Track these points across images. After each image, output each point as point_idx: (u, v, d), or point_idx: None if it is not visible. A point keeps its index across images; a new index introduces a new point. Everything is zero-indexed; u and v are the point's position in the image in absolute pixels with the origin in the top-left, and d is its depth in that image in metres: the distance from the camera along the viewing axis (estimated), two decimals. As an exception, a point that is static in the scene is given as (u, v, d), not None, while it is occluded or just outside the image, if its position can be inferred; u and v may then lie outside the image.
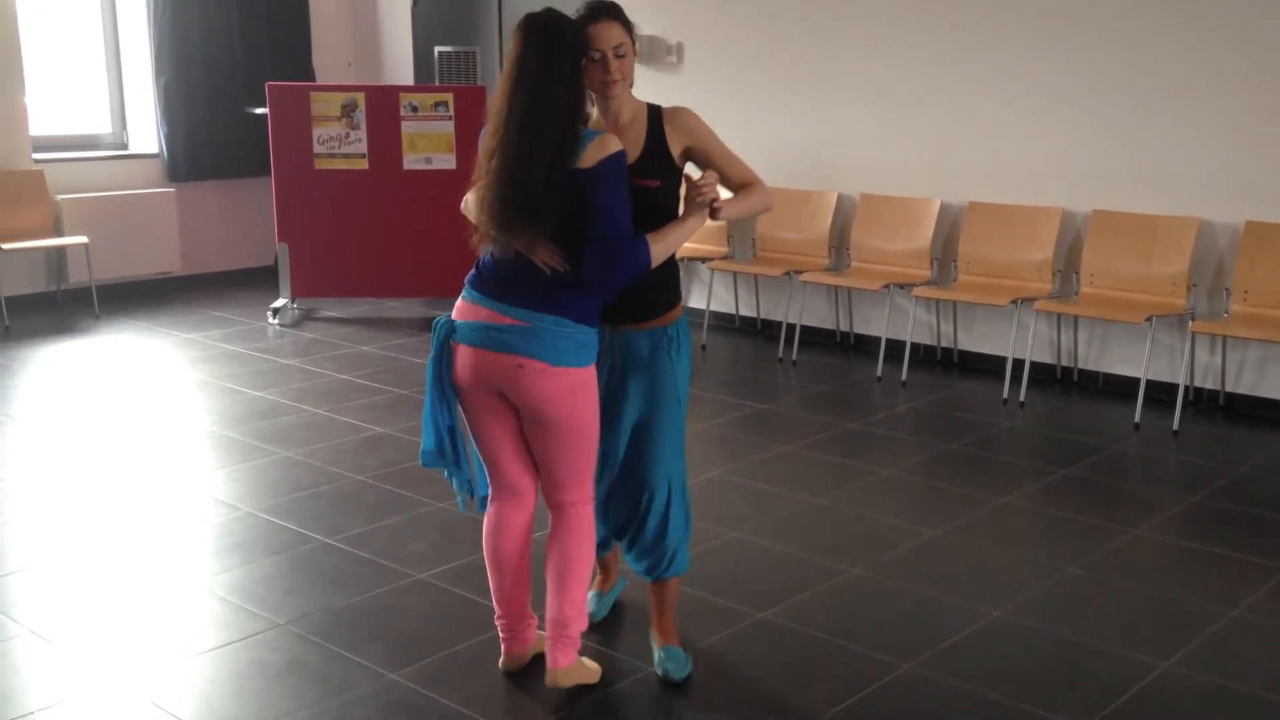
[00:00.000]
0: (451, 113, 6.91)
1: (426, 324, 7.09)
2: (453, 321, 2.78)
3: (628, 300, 2.83)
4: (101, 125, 7.96)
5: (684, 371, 2.97)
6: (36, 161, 7.29)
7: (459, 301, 2.82)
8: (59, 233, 7.25)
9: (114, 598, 3.51)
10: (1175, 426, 5.10)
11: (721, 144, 2.92)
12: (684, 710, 2.90)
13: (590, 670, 2.98)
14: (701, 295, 6.97)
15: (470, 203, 2.79)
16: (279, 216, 7.05)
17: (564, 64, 2.65)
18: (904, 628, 3.31)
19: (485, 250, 2.79)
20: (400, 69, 8.56)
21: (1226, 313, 5.25)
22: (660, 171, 2.84)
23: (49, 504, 4.23)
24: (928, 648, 3.18)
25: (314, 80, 8.29)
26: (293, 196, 6.99)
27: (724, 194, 2.80)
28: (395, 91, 7.06)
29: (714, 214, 2.77)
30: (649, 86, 7.14)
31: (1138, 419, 5.19)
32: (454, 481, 2.95)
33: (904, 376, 5.87)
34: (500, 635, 3.03)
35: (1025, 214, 5.79)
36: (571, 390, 2.74)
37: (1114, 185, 5.59)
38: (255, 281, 8.03)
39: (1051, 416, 5.40)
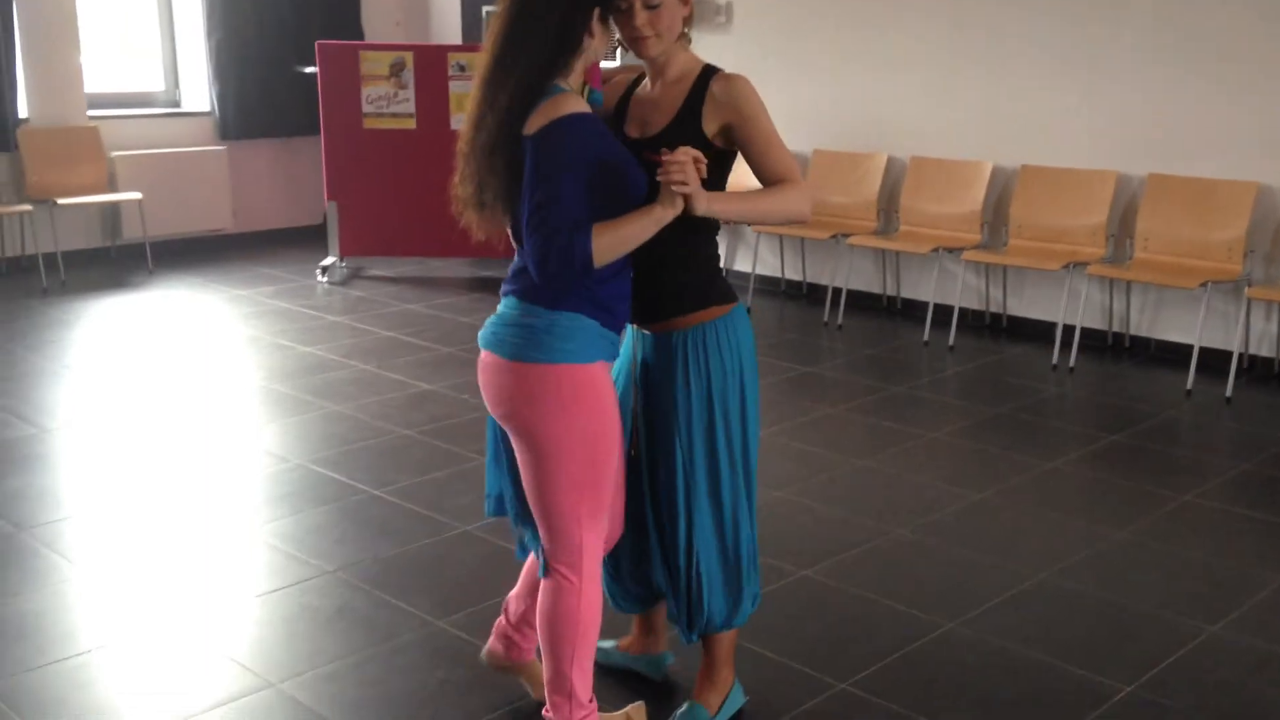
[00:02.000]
0: (500, 72, 6.89)
1: (472, 283, 7.14)
2: None
3: (637, 290, 2.38)
4: (155, 83, 8.04)
5: (704, 392, 2.40)
6: (92, 118, 7.38)
7: None
8: (113, 189, 7.34)
9: (167, 543, 3.58)
10: (1228, 394, 5.03)
11: (767, 127, 2.36)
12: (726, 663, 2.92)
13: None
14: (747, 258, 6.94)
15: None
16: (328, 175, 7.10)
17: (551, 9, 2.21)
18: (947, 589, 3.31)
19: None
20: (449, 28, 8.56)
21: (1284, 280, 5.17)
22: (659, 145, 2.31)
23: (105, 453, 4.32)
24: (971, 608, 3.18)
25: (363, 39, 8.31)
26: (342, 155, 7.03)
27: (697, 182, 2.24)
28: (443, 51, 7.06)
29: (689, 205, 2.19)
30: (699, 49, 7.05)
31: (1190, 386, 5.13)
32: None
33: (951, 341, 5.83)
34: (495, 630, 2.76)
35: (1079, 178, 5.71)
36: (529, 395, 2.24)
37: (1170, 149, 5.49)
38: (305, 239, 8.10)
39: (1101, 383, 5.34)
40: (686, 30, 2.41)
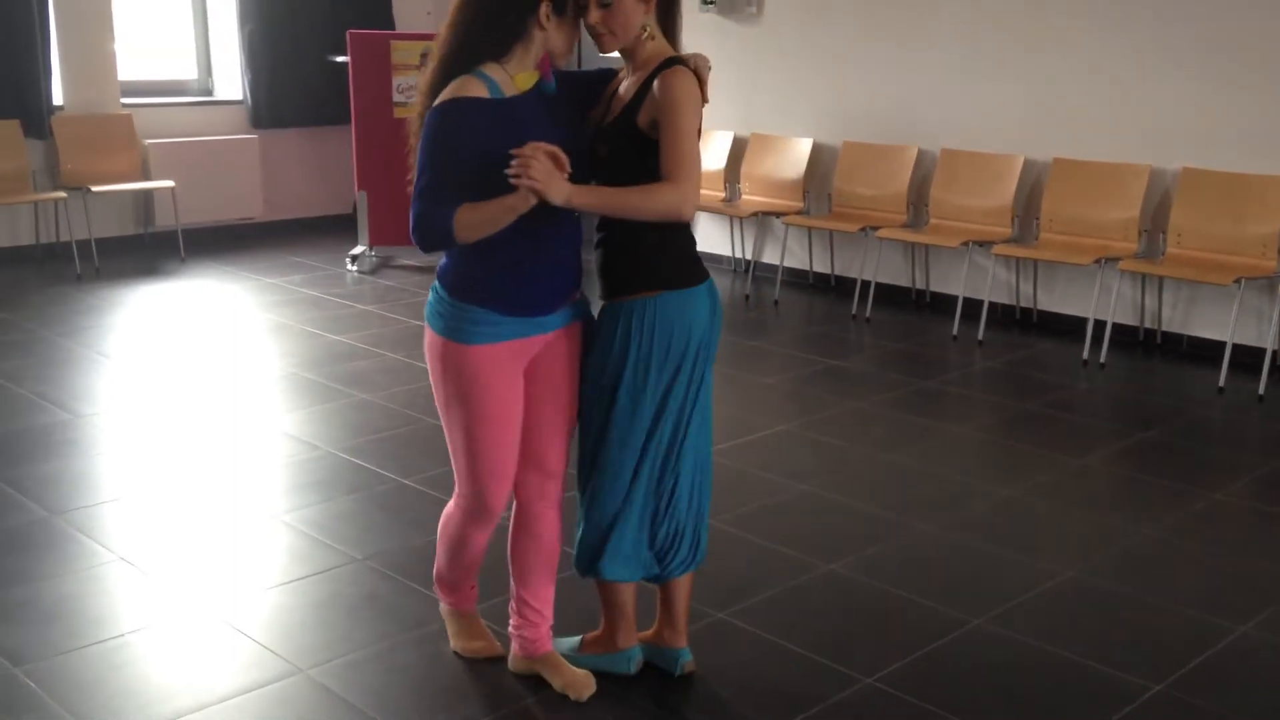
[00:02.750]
0: (530, 62, 6.90)
1: (501, 273, 7.15)
2: None
3: (600, 263, 2.58)
4: (188, 71, 8.10)
5: (620, 364, 2.54)
6: (125, 106, 7.44)
7: None
8: (146, 177, 7.41)
9: (200, 529, 3.62)
10: (1261, 391, 4.98)
11: (678, 124, 2.39)
12: (750, 658, 2.92)
13: (464, 640, 2.87)
14: (775, 250, 6.92)
15: None
16: (358, 164, 7.13)
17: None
18: (975, 585, 3.30)
19: None
20: (479, 18, 8.55)
21: (1319, 276, 5.12)
22: (614, 139, 2.48)
23: (139, 439, 4.37)
24: (999, 605, 3.17)
25: (394, 29, 8.34)
26: (372, 145, 7.06)
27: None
28: (474, 40, 7.06)
29: (544, 197, 2.31)
30: (729, 39, 7.08)
31: (1222, 383, 5.08)
32: None
33: (980, 335, 5.80)
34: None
35: (1111, 171, 5.66)
36: (429, 355, 2.58)
37: (1204, 143, 5.44)
38: (334, 228, 8.15)
39: (1132, 379, 5.30)
40: (647, 27, 2.48)
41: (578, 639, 2.87)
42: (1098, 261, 5.50)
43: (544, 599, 2.74)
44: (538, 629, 2.75)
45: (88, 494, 3.84)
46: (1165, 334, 5.71)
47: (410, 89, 6.93)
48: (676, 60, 2.48)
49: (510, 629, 2.80)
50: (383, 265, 7.30)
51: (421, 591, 3.20)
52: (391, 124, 6.99)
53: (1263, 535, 3.73)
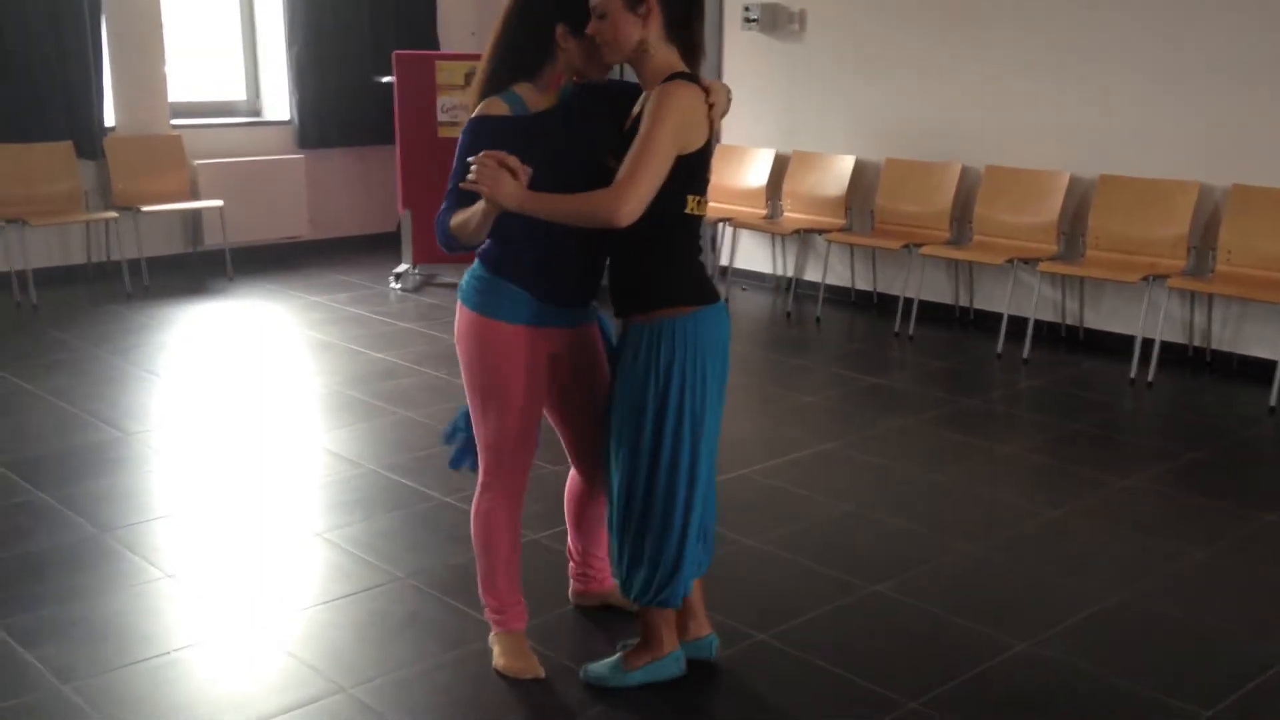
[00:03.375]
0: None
1: (543, 291, 7.18)
2: None
3: (612, 284, 2.69)
4: (236, 93, 8.22)
5: (640, 382, 2.60)
6: (175, 127, 7.56)
7: None
8: (195, 196, 7.52)
9: (245, 546, 3.66)
10: (1314, 411, 4.90)
11: (647, 130, 2.45)
12: (793, 680, 2.91)
13: (508, 659, 2.90)
14: (818, 268, 6.90)
15: None
16: (403, 183, 7.20)
17: (530, 19, 2.61)
18: (1020, 608, 3.26)
19: None
20: (522, 38, 8.61)
21: (1374, 294, 5.03)
22: (621, 151, 2.53)
23: (188, 456, 4.43)
24: (1045, 629, 3.13)
25: (438, 49, 8.42)
26: (416, 164, 7.12)
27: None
28: (517, 60, 7.12)
29: (496, 201, 2.45)
30: (771, 56, 7.08)
31: (1273, 402, 4.99)
32: None
33: (1026, 354, 5.74)
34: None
35: (1160, 188, 5.59)
36: (461, 332, 2.74)
37: (1254, 159, 5.36)
38: (379, 247, 8.22)
39: (1181, 398, 5.22)
40: (644, 41, 2.52)
41: (616, 658, 2.87)
42: (1145, 279, 5.43)
43: (604, 545, 3.09)
44: (604, 570, 3.14)
45: (137, 511, 3.90)
46: (1215, 352, 5.62)
47: (454, 108, 7.00)
48: (685, 76, 2.52)
49: (575, 570, 3.18)
50: (426, 283, 7.36)
51: (464, 610, 3.21)
52: (435, 143, 7.05)
53: (1316, 559, 3.66)
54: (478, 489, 2.85)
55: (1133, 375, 5.40)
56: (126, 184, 7.20)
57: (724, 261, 7.34)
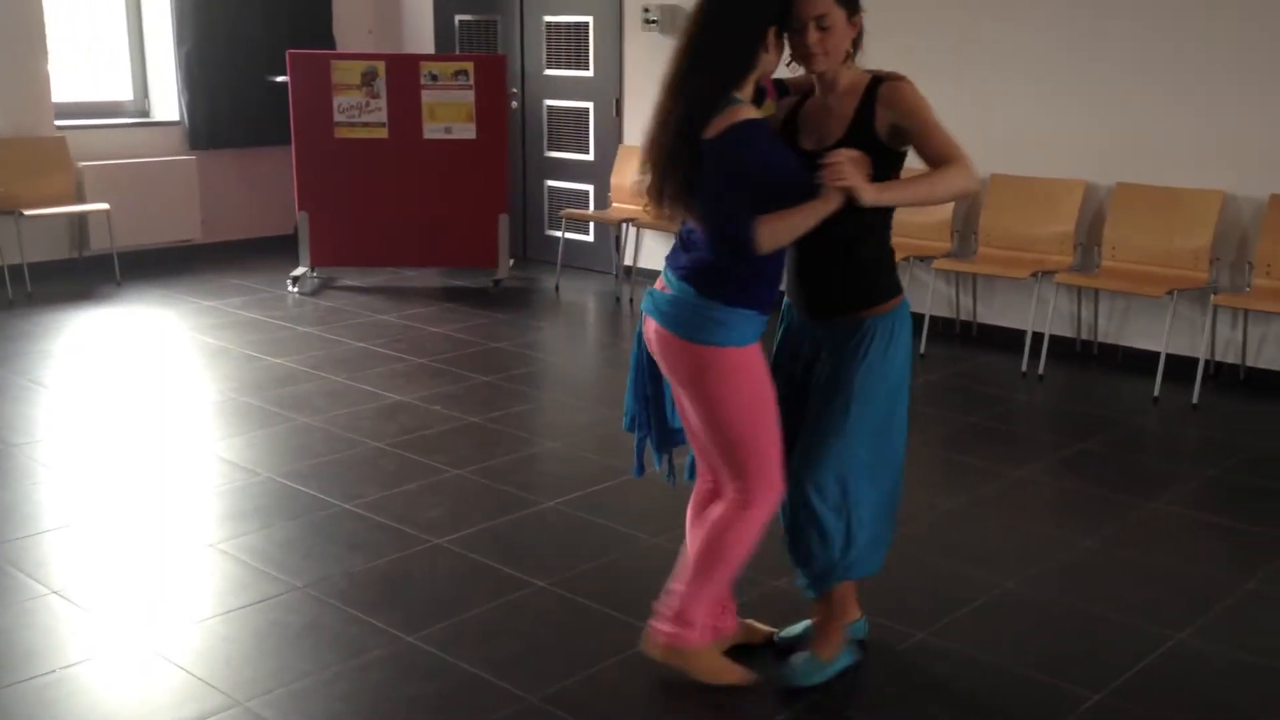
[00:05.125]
0: (471, 82, 6.90)
1: (444, 293, 7.12)
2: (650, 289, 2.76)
3: (810, 290, 2.72)
4: (123, 93, 7.98)
5: (874, 374, 2.68)
6: (59, 128, 7.31)
7: None
8: (81, 199, 7.28)
9: (136, 560, 3.55)
10: (1195, 400, 5.08)
11: (926, 119, 2.57)
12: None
13: (708, 667, 2.85)
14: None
15: None
16: (299, 185, 7.06)
17: (743, 22, 2.52)
18: (918, 598, 3.32)
19: None
20: (421, 37, 8.54)
21: (1249, 286, 5.21)
22: (841, 149, 2.55)
23: (74, 468, 4.28)
24: (941, 617, 3.19)
25: (334, 48, 8.28)
26: (313, 165, 7.00)
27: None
28: (415, 60, 7.05)
29: (856, 197, 2.46)
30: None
31: (1157, 393, 5.17)
32: (653, 453, 2.94)
33: (922, 349, 5.86)
34: None
35: (1048, 186, 5.74)
36: (701, 368, 2.62)
37: (1136, 158, 5.53)
38: (275, 250, 8.05)
39: (1070, 390, 5.38)
40: (851, 50, 2.63)
41: (807, 655, 2.89)
42: (1034, 275, 5.57)
43: None
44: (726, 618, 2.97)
45: (22, 525, 3.76)
46: (1101, 345, 5.79)
47: (352, 108, 6.89)
48: (880, 76, 2.64)
49: (714, 622, 2.90)
50: (324, 286, 7.23)
51: (363, 619, 3.16)
52: (332, 144, 6.94)
53: (1200, 542, 3.79)
54: (735, 505, 2.70)
55: (1024, 368, 5.54)
56: (8, 187, 6.93)
57: (627, 261, 7.35)
